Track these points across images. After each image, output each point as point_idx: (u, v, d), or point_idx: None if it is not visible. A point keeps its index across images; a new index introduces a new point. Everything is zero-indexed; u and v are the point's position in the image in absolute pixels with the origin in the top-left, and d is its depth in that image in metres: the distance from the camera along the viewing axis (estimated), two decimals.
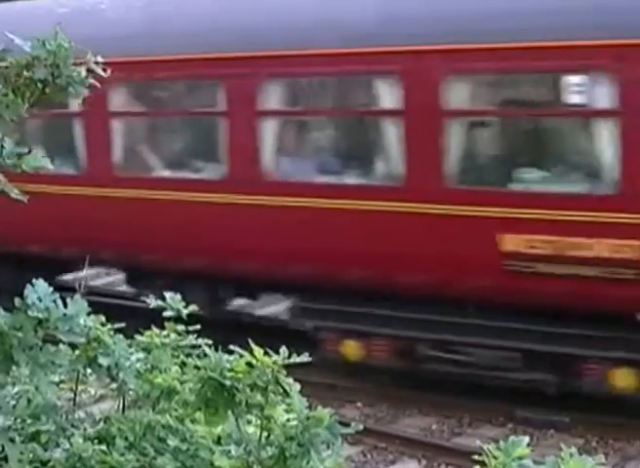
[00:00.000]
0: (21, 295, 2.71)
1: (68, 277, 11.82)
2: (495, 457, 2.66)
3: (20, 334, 2.64)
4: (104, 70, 3.03)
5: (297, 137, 11.45)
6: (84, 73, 2.99)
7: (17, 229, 12.09)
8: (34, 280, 2.74)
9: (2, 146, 2.87)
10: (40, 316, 2.66)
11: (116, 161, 11.88)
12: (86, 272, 3.96)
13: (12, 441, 2.80)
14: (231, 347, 3.14)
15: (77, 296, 2.79)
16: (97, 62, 3.03)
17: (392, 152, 10.09)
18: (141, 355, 3.45)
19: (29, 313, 2.65)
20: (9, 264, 12.69)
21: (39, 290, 2.70)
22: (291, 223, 10.64)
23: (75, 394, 3.36)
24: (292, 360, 3.03)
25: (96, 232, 11.65)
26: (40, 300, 2.68)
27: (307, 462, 2.95)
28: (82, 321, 2.78)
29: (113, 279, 14.64)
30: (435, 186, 9.74)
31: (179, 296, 3.83)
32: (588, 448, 9.37)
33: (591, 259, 9.09)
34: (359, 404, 11.10)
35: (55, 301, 2.70)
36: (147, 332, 3.68)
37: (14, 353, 2.64)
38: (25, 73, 2.95)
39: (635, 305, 9.09)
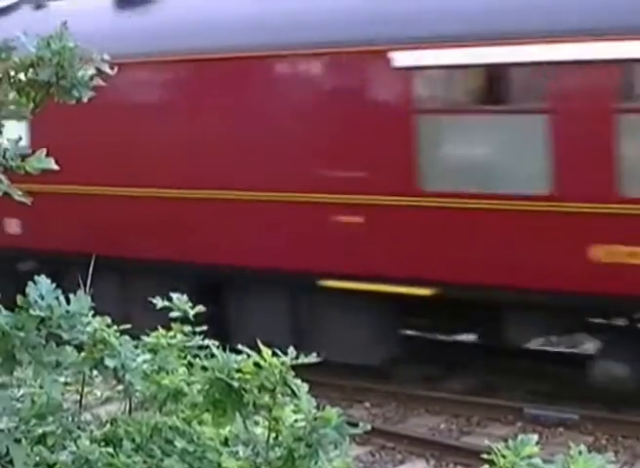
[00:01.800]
0: None
1: None
2: (504, 456, 2.66)
3: (22, 334, 2.61)
4: (112, 68, 2.99)
5: None
6: (89, 74, 2.95)
7: None
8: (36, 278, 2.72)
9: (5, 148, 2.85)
10: (42, 314, 2.63)
11: None
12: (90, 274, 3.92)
13: (17, 442, 2.78)
14: (239, 347, 3.12)
15: (80, 293, 2.76)
16: (103, 60, 2.99)
17: None
18: (148, 356, 3.43)
19: (31, 311, 2.63)
20: None
21: (41, 287, 2.67)
22: None
23: (81, 396, 3.34)
24: (299, 360, 3.01)
25: None
26: (42, 298, 2.65)
27: (315, 463, 2.94)
28: (85, 319, 2.76)
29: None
30: None
31: (185, 297, 3.80)
32: (598, 446, 9.34)
33: None
34: (367, 404, 11.08)
35: (57, 299, 2.68)
36: (154, 333, 3.66)
37: (16, 353, 2.61)
38: (30, 74, 2.93)
39: None
